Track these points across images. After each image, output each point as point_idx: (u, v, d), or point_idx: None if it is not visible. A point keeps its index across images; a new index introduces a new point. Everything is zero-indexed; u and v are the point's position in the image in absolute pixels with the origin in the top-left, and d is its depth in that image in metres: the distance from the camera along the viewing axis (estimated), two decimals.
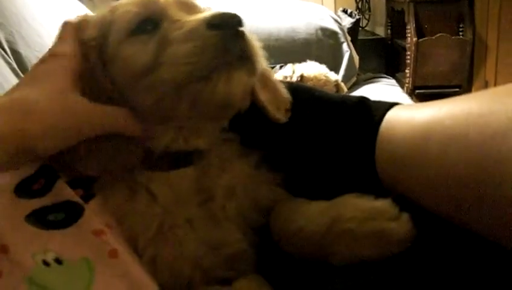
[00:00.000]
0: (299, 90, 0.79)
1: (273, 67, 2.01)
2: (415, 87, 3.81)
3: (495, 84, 3.82)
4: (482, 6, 3.70)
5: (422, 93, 3.86)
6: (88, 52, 0.65)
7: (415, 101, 3.90)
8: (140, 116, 0.65)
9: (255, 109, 0.73)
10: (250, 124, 0.75)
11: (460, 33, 3.76)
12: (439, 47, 3.71)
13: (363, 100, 0.75)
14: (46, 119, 0.57)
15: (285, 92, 0.75)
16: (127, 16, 0.65)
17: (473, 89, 3.86)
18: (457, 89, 3.81)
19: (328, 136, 0.74)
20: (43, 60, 0.64)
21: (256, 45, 0.63)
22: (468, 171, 0.54)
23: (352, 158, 0.72)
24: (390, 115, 0.69)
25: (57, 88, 0.60)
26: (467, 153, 0.55)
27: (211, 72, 0.59)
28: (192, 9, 0.68)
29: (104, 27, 0.67)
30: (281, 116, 0.73)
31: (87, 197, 0.66)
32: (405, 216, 0.61)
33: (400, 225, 0.60)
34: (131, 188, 0.68)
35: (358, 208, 0.62)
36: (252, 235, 0.73)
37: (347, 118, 0.74)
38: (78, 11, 1.84)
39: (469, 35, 3.70)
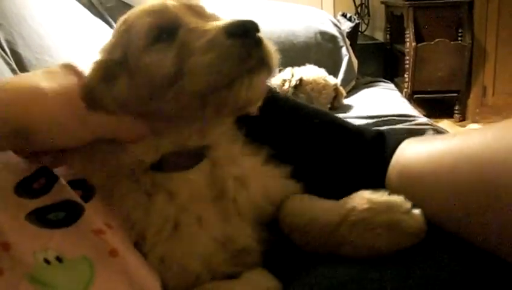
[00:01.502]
0: (321, 114, 0.88)
1: None
2: (413, 92, 3.82)
3: (493, 90, 3.84)
4: (480, 12, 3.72)
5: (420, 98, 3.87)
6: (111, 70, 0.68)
7: (414, 106, 3.90)
8: (152, 120, 0.67)
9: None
10: (269, 129, 0.81)
11: (459, 38, 3.78)
12: (437, 52, 3.73)
13: (381, 133, 0.84)
14: (53, 112, 0.59)
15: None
16: (144, 28, 0.66)
17: (471, 95, 3.87)
18: (455, 94, 3.83)
19: (343, 160, 0.82)
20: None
21: (273, 49, 0.65)
22: (479, 186, 0.59)
23: (364, 176, 0.77)
24: (405, 144, 0.77)
25: (72, 89, 0.62)
26: (479, 169, 0.60)
27: (233, 80, 0.61)
28: (203, 15, 0.69)
29: (125, 43, 0.68)
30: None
31: (85, 198, 0.66)
32: (418, 211, 0.64)
33: (413, 219, 0.63)
34: (148, 192, 0.69)
35: (373, 201, 0.65)
36: (260, 230, 0.75)
37: (364, 146, 0.82)
38: (77, 12, 1.84)
39: (468, 41, 3.72)
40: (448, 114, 3.92)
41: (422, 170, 0.69)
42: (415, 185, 0.68)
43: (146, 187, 0.69)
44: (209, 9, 0.72)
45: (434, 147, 0.70)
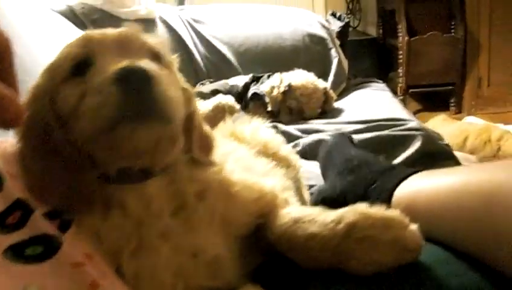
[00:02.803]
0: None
1: (261, 77, 2.00)
2: (408, 87, 3.81)
3: (488, 81, 3.81)
4: (472, 3, 3.69)
5: (415, 92, 3.87)
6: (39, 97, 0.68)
7: (409, 101, 3.89)
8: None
9: None
10: None
11: (452, 31, 3.76)
12: (431, 45, 3.70)
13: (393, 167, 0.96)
14: None
15: (210, 134, 0.82)
16: (67, 58, 0.68)
17: (466, 87, 3.84)
18: (450, 87, 3.81)
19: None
20: None
21: (169, 94, 0.64)
22: (487, 220, 0.66)
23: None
24: (413, 178, 0.85)
25: None
26: (487, 204, 0.66)
27: (115, 126, 0.60)
28: (131, 50, 0.69)
29: (53, 71, 0.69)
30: (204, 157, 0.78)
31: (64, 227, 0.65)
32: (415, 227, 0.65)
33: (413, 235, 0.65)
34: (106, 204, 0.68)
35: (375, 217, 0.66)
36: (233, 242, 0.75)
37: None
38: (65, 28, 1.82)
39: (460, 33, 3.69)
40: (444, 107, 3.89)
41: (430, 205, 0.75)
42: (422, 219, 0.69)
43: (102, 200, 0.68)
44: (148, 42, 0.72)
45: (442, 182, 0.77)
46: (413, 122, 1.54)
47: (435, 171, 0.86)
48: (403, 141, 1.39)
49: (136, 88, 0.60)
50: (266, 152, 1.09)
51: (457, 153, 2.60)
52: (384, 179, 0.93)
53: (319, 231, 0.68)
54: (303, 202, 1.17)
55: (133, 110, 0.60)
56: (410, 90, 3.83)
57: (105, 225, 0.67)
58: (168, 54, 0.77)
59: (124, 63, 0.62)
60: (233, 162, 0.87)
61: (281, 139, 1.19)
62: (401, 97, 3.80)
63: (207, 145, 0.81)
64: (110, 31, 0.71)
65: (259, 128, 1.16)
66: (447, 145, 1.45)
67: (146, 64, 0.63)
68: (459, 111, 3.88)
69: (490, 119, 3.48)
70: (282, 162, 1.12)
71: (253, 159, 1.01)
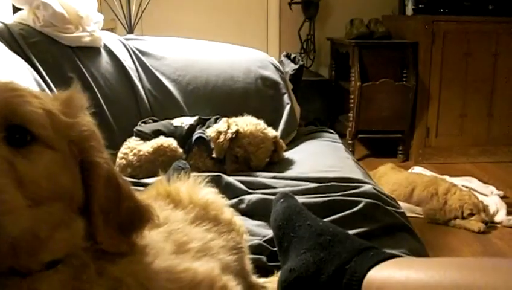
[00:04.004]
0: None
1: (207, 120, 1.87)
2: (357, 131, 3.78)
3: (436, 131, 3.82)
4: (425, 54, 3.72)
5: (364, 137, 3.86)
6: None
7: (357, 146, 3.87)
8: None
9: None
10: None
11: (404, 79, 3.77)
12: (382, 92, 3.71)
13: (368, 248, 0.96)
14: None
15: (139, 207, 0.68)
16: None
17: (414, 136, 3.85)
18: (399, 135, 3.82)
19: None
20: None
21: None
22: None
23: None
24: (385, 266, 0.87)
25: None
26: None
27: None
28: None
29: None
30: (121, 246, 0.63)
31: None
32: None
33: None
34: None
35: None
36: None
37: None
38: None
39: (412, 82, 3.71)
40: (391, 154, 3.90)
41: None
42: None
43: None
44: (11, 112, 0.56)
45: (414, 278, 0.79)
46: (368, 186, 1.44)
47: (409, 261, 0.88)
48: (356, 209, 1.28)
49: None
50: (206, 215, 0.96)
51: (403, 205, 2.58)
52: (358, 260, 0.92)
53: None
54: (245, 273, 1.05)
55: None
56: (359, 135, 3.82)
57: None
58: (54, 125, 0.60)
59: None
60: (165, 236, 0.74)
61: (223, 200, 1.06)
62: (350, 141, 3.78)
63: (134, 222, 0.66)
64: None
65: (198, 188, 1.02)
66: (402, 213, 1.36)
67: None
68: (406, 159, 3.89)
69: (436, 169, 3.49)
70: (224, 226, 0.99)
71: (190, 230, 0.87)
